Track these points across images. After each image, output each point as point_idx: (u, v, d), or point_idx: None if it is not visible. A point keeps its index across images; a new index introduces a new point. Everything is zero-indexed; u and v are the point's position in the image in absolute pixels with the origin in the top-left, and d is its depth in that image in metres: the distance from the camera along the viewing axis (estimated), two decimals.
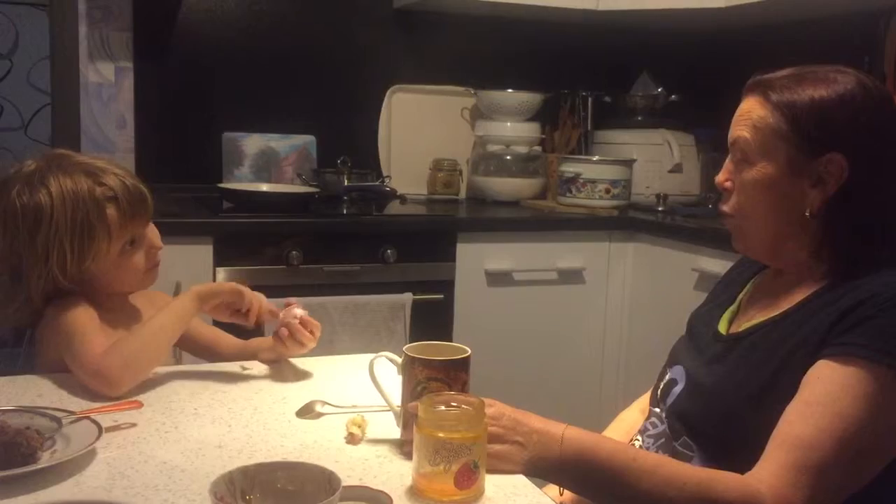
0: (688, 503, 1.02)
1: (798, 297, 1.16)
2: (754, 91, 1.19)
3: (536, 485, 1.04)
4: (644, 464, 1.05)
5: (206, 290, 1.38)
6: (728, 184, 1.22)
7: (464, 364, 1.11)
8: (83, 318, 1.33)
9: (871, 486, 1.05)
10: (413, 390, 1.09)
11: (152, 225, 1.45)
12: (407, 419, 1.09)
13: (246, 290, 1.40)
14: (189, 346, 1.52)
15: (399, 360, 1.13)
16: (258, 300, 1.42)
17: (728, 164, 1.22)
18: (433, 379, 1.09)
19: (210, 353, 1.52)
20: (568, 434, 1.06)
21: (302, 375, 1.41)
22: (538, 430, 1.06)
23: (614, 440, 1.11)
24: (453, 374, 1.09)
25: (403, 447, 1.10)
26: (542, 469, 1.05)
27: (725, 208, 1.23)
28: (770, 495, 0.99)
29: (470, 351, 1.12)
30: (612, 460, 1.05)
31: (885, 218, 1.15)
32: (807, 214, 1.14)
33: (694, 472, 1.06)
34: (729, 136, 1.22)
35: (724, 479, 1.03)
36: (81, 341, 1.29)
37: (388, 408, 1.16)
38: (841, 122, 1.12)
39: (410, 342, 1.24)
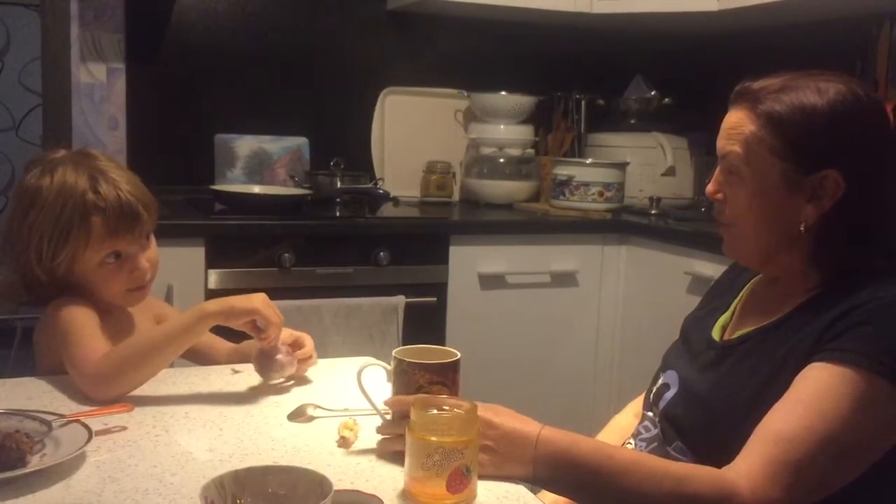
0: (665, 499, 1.01)
1: (790, 305, 1.16)
2: (742, 102, 1.17)
3: (530, 490, 1.04)
4: (621, 462, 1.04)
5: (217, 310, 1.29)
6: (719, 195, 1.21)
7: (458, 366, 1.11)
8: (82, 319, 1.33)
9: (856, 492, 1.05)
10: (415, 395, 1.08)
11: (153, 247, 1.43)
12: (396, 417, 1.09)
13: (267, 314, 1.30)
14: (184, 352, 1.51)
15: (388, 366, 1.12)
16: (277, 328, 1.32)
17: (717, 174, 1.21)
18: (435, 383, 1.09)
19: (204, 358, 1.51)
20: (543, 435, 1.04)
21: (294, 379, 1.40)
22: (511, 432, 1.04)
23: (591, 439, 1.10)
24: (451, 377, 1.10)
25: (382, 448, 1.09)
26: (516, 472, 1.04)
27: (722, 218, 1.22)
28: (748, 489, 0.99)
29: (458, 353, 1.13)
30: (588, 460, 1.04)
31: (878, 229, 1.15)
32: (801, 229, 1.14)
33: (671, 468, 1.05)
34: (717, 146, 1.20)
35: (700, 474, 1.03)
36: (78, 342, 1.29)
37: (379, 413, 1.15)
38: (834, 138, 1.12)
39: (403, 345, 1.23)
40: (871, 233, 1.15)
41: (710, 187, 1.22)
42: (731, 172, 1.18)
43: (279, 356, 1.35)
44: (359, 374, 1.14)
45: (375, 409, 1.14)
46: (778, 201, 1.14)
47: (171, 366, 1.46)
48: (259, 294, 1.33)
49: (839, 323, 1.06)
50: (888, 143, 1.15)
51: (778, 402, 1.05)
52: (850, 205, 1.12)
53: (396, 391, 1.11)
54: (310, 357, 1.42)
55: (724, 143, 1.19)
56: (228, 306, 1.29)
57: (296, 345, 1.40)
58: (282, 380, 1.37)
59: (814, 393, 1.03)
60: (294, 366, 1.36)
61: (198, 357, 1.51)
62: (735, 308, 1.28)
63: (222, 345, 1.52)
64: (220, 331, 1.48)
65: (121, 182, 1.38)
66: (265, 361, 1.35)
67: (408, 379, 1.09)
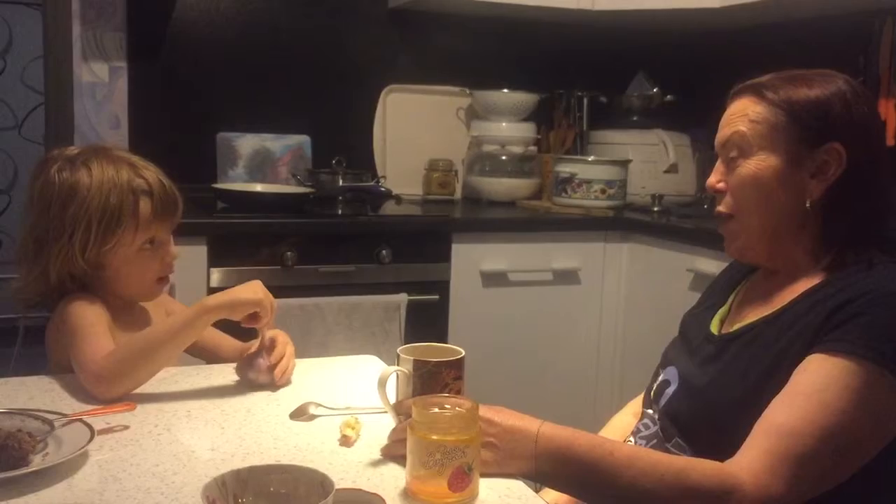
0: (666, 493, 1.01)
1: (790, 296, 1.16)
2: (745, 93, 1.19)
3: (531, 487, 1.04)
4: (621, 457, 1.04)
5: (219, 304, 1.30)
6: (721, 185, 1.21)
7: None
8: (91, 317, 1.33)
9: (859, 484, 1.04)
10: (441, 393, 1.09)
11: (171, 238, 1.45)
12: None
13: (264, 300, 1.32)
14: (190, 348, 1.52)
15: (406, 370, 1.12)
16: (272, 315, 1.34)
17: (719, 166, 1.22)
18: (458, 378, 1.10)
19: (211, 356, 1.51)
20: (543, 431, 1.04)
21: (295, 377, 1.40)
22: (511, 429, 1.04)
23: (591, 435, 1.10)
24: (464, 371, 1.11)
25: (389, 451, 1.09)
26: (518, 468, 1.04)
27: (722, 208, 1.22)
28: (749, 481, 0.99)
29: (459, 348, 1.14)
30: (589, 455, 1.04)
31: (877, 213, 1.16)
32: (807, 205, 1.15)
33: (671, 462, 1.05)
34: (718, 138, 1.22)
35: (701, 467, 1.03)
36: (85, 340, 1.29)
37: (384, 411, 1.15)
38: (837, 114, 1.14)
39: (406, 343, 1.23)
40: (871, 215, 1.16)
41: (710, 179, 1.23)
42: (734, 157, 1.19)
43: (262, 360, 1.34)
44: (383, 382, 1.11)
45: (393, 415, 1.12)
46: (782, 178, 1.15)
47: (176, 364, 1.46)
48: (255, 281, 1.34)
49: (838, 314, 1.07)
50: (882, 133, 1.18)
51: (778, 394, 1.05)
52: (852, 181, 1.14)
53: (419, 392, 1.10)
54: (287, 365, 1.38)
55: (725, 130, 1.20)
56: (231, 299, 1.30)
57: (270, 345, 1.37)
58: (262, 382, 1.34)
59: (814, 385, 1.03)
60: (271, 373, 1.34)
61: (205, 355, 1.52)
62: (733, 302, 1.29)
63: (229, 343, 1.53)
64: (226, 329, 1.49)
65: (153, 168, 1.42)
66: (254, 363, 1.34)
67: (434, 379, 1.10)
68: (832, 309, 1.07)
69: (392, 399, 1.14)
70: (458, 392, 1.11)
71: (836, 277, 1.13)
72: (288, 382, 1.37)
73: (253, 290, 1.32)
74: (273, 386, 1.34)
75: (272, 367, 1.35)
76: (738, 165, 1.18)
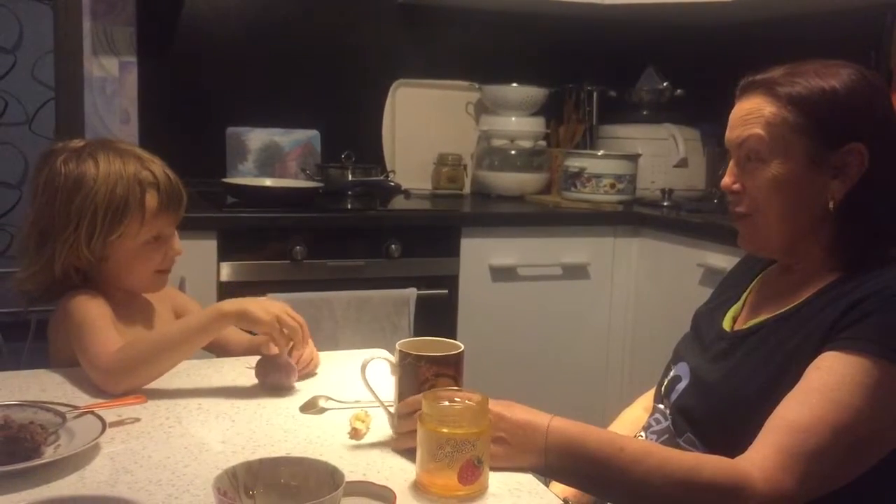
0: (676, 489, 1.01)
1: (805, 294, 1.15)
2: (756, 89, 1.16)
3: (541, 481, 1.04)
4: (631, 453, 1.03)
5: (236, 312, 1.28)
6: (737, 186, 1.19)
7: (462, 358, 1.11)
8: (96, 312, 1.34)
9: (870, 482, 1.04)
10: (420, 388, 1.07)
11: (176, 233, 1.46)
12: (404, 414, 1.08)
13: (279, 339, 1.29)
14: None
15: (392, 358, 1.12)
16: (287, 340, 1.30)
17: (732, 166, 1.20)
18: (441, 375, 1.09)
19: (220, 349, 1.52)
20: (553, 425, 1.04)
21: (291, 389, 1.39)
22: (521, 423, 1.04)
23: (601, 430, 1.10)
24: (456, 369, 1.10)
25: (397, 445, 1.09)
26: (528, 462, 1.04)
27: (741, 209, 1.20)
28: (760, 478, 0.99)
29: (462, 345, 1.13)
30: (599, 451, 1.03)
31: None
32: (830, 207, 1.13)
33: (682, 459, 1.05)
34: (730, 137, 1.19)
35: (712, 464, 1.03)
36: (92, 335, 1.29)
37: (393, 404, 1.15)
38: (856, 111, 1.12)
39: (415, 337, 1.23)
40: (892, 213, 1.14)
41: (726, 179, 1.20)
42: (751, 159, 1.16)
43: (283, 364, 1.32)
44: (363, 367, 1.13)
45: (379, 402, 1.13)
46: (803, 181, 1.13)
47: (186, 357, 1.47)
48: (277, 305, 1.31)
49: (852, 312, 1.06)
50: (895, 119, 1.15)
51: (791, 391, 1.05)
52: (875, 180, 1.12)
53: (402, 384, 1.11)
54: (310, 360, 1.38)
55: (739, 130, 1.17)
56: (246, 312, 1.28)
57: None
58: (285, 386, 1.32)
59: (827, 382, 1.03)
60: (295, 376, 1.33)
61: (214, 348, 1.52)
62: (746, 298, 1.28)
63: (239, 337, 1.53)
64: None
65: (161, 164, 1.42)
66: (271, 368, 1.32)
67: (414, 372, 1.09)
68: (846, 307, 1.07)
69: (378, 388, 1.14)
70: None
71: (851, 275, 1.12)
72: (313, 374, 1.37)
73: (267, 311, 1.28)
74: (299, 380, 1.33)
75: (295, 371, 1.32)
76: (755, 169, 1.16)
